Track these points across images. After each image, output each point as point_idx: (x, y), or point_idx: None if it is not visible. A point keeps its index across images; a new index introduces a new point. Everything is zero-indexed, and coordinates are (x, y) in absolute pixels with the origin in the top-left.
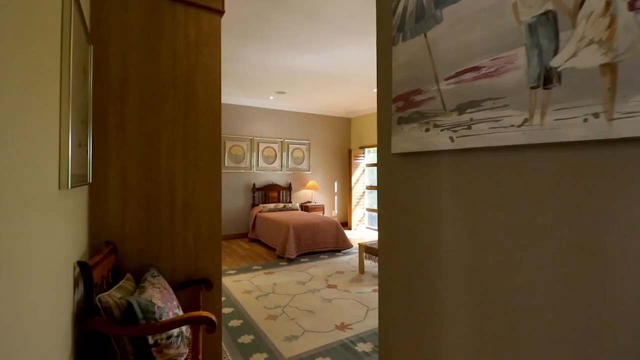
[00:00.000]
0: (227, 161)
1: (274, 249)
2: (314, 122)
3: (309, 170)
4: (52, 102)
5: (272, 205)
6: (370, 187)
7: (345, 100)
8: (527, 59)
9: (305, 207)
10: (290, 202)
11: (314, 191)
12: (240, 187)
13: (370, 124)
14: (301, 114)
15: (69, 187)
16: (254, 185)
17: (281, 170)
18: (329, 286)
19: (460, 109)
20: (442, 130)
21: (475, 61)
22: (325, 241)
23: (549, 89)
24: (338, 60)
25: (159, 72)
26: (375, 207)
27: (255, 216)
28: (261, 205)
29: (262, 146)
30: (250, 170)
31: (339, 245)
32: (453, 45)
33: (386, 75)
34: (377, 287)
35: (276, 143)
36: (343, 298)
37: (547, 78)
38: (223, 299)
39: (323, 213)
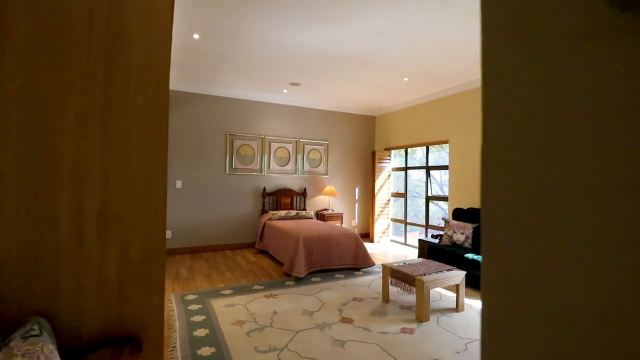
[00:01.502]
0: (234, 162)
1: (281, 264)
2: (333, 120)
3: (326, 174)
4: None
5: (282, 213)
6: (396, 195)
7: (370, 94)
8: None
9: (321, 216)
10: (304, 209)
11: (332, 198)
12: (248, 192)
13: (398, 123)
14: (319, 111)
15: None
16: (264, 189)
17: (295, 173)
18: (343, 320)
19: None
20: None
21: None
22: (341, 257)
23: None
24: (360, 35)
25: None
26: (400, 217)
27: (264, 224)
28: (271, 212)
29: (274, 146)
30: (261, 172)
31: (358, 263)
32: None
33: None
34: (405, 326)
35: (290, 143)
36: (361, 341)
37: None
38: (206, 331)
39: (341, 223)
